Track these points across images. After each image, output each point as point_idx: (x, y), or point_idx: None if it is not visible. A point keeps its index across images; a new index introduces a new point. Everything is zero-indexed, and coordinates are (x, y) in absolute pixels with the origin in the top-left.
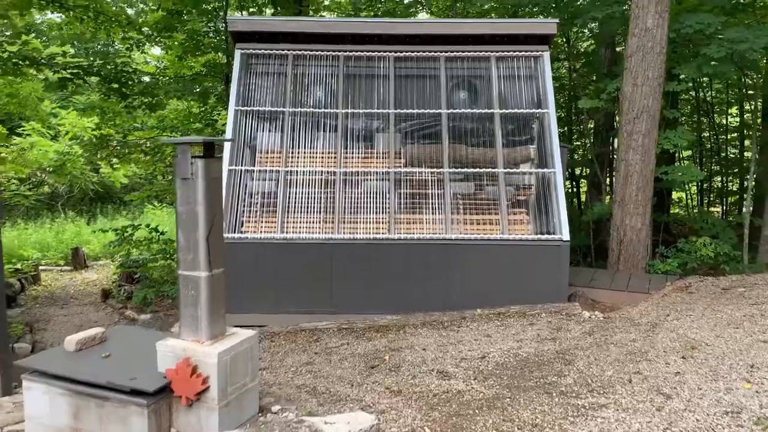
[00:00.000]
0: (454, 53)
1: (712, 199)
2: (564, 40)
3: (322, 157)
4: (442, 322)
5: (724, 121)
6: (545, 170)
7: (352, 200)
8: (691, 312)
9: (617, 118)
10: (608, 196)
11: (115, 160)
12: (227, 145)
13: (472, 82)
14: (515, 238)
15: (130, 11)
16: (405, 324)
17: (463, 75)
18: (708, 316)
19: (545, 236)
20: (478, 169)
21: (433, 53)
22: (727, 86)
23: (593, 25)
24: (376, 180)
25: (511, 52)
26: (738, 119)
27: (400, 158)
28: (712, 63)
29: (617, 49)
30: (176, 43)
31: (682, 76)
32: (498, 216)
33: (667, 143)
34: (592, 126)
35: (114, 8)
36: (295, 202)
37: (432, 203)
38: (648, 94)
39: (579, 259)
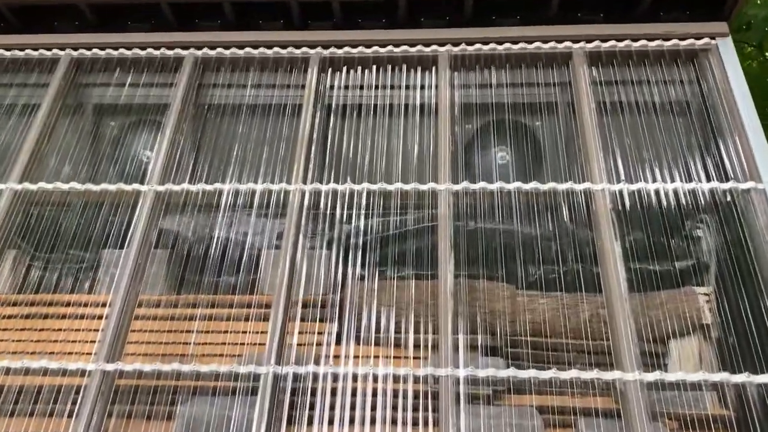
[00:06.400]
0: (474, 46)
1: None
2: None
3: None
4: None
5: None
6: None
7: None
8: None
9: None
10: None
11: None
12: None
13: (523, 122)
14: None
15: None
16: None
17: (501, 102)
18: None
19: None
20: (553, 372)
21: (421, 47)
22: None
23: None
24: (240, 396)
25: (629, 41)
26: None
27: (329, 321)
28: None
29: None
30: None
31: None
32: None
33: None
34: None
35: None
36: None
37: None
38: None
39: None
